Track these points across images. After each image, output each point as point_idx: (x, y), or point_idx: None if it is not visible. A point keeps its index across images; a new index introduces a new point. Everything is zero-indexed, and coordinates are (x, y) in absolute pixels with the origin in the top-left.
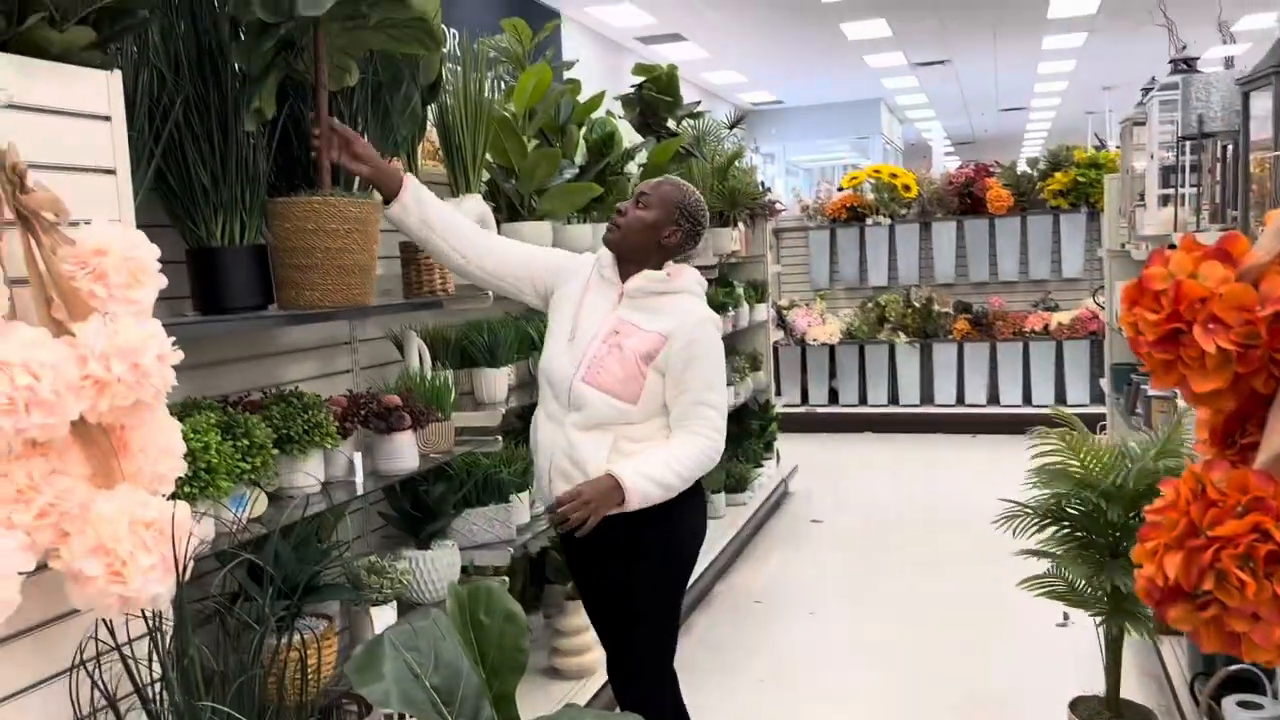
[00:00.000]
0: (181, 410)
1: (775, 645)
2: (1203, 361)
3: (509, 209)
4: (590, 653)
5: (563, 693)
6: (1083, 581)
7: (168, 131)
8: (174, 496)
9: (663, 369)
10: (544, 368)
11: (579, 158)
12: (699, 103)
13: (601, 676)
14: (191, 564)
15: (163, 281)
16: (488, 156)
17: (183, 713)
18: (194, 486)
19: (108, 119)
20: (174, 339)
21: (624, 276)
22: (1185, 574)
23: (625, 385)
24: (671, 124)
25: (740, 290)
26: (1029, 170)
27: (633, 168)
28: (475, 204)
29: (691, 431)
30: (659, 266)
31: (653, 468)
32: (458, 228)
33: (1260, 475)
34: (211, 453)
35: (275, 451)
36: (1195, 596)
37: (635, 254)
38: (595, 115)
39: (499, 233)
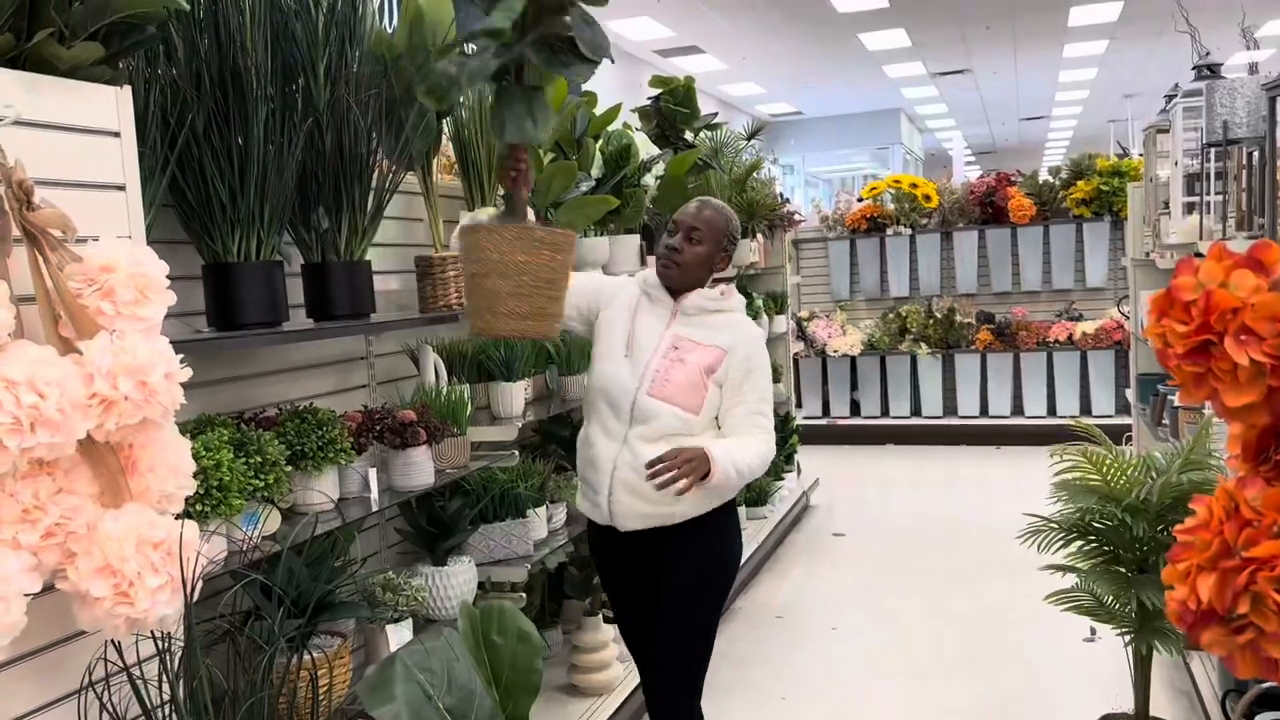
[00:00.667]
0: (195, 427)
1: (797, 661)
2: (1235, 374)
3: None
4: (609, 669)
5: (581, 710)
6: (1110, 597)
7: (181, 144)
8: (185, 515)
9: (721, 381)
10: (600, 386)
11: (595, 170)
12: (716, 114)
13: (621, 694)
14: (200, 584)
15: (171, 298)
16: None
17: None
18: (206, 504)
19: (117, 135)
20: (184, 356)
21: (675, 295)
22: (1219, 596)
23: (689, 396)
24: (689, 136)
25: (760, 302)
26: (1051, 179)
27: (650, 180)
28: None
29: (753, 436)
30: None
31: (737, 453)
32: None
33: None
34: (224, 470)
35: (289, 468)
36: (1230, 620)
37: (690, 284)
38: (612, 128)
39: None
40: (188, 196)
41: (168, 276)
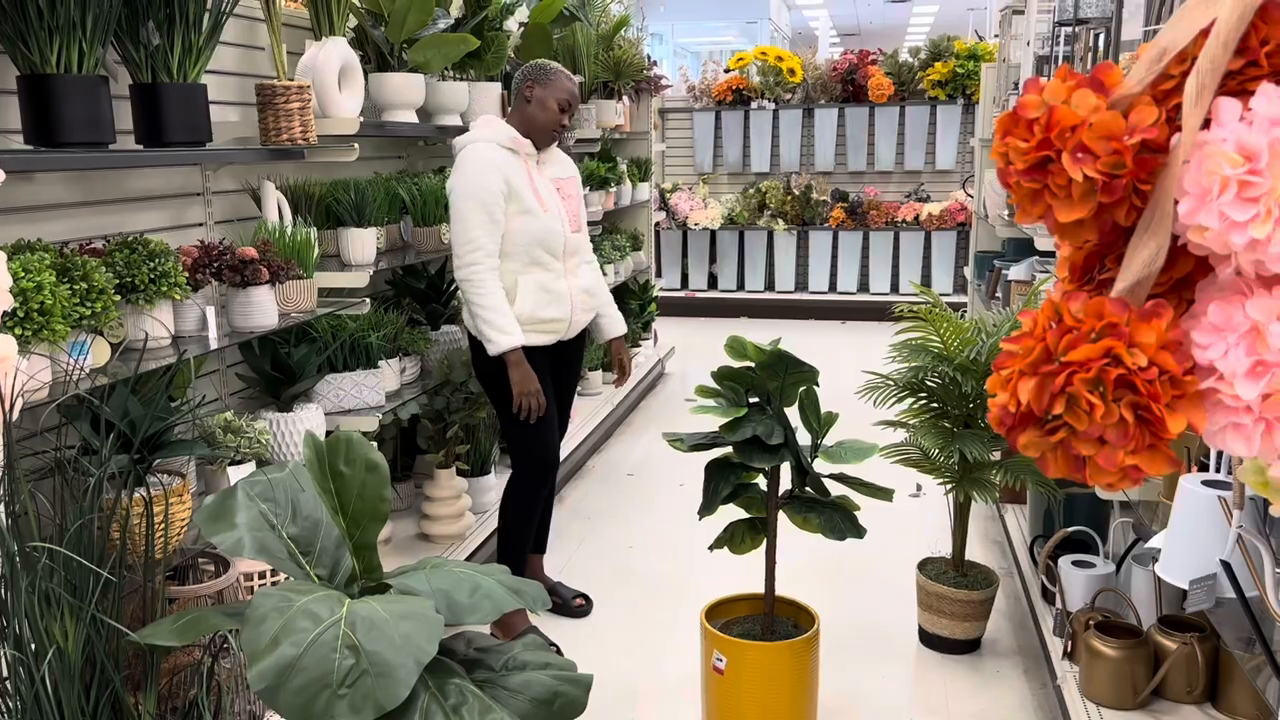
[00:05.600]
0: (12, 251)
1: (645, 515)
2: (1069, 190)
3: (378, 58)
4: (462, 520)
5: (433, 554)
6: (936, 450)
7: None
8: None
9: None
10: (537, 239)
11: (455, 10)
12: None
13: (473, 543)
14: (20, 402)
15: None
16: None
17: (15, 557)
18: (26, 328)
19: None
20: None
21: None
22: (1037, 399)
23: (584, 220)
24: None
25: (623, 167)
26: (910, 59)
27: (512, 25)
28: (339, 50)
29: (594, 262)
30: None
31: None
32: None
33: (1116, 303)
34: (45, 293)
35: (118, 298)
36: (1045, 422)
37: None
38: None
39: (365, 85)
40: None
41: None
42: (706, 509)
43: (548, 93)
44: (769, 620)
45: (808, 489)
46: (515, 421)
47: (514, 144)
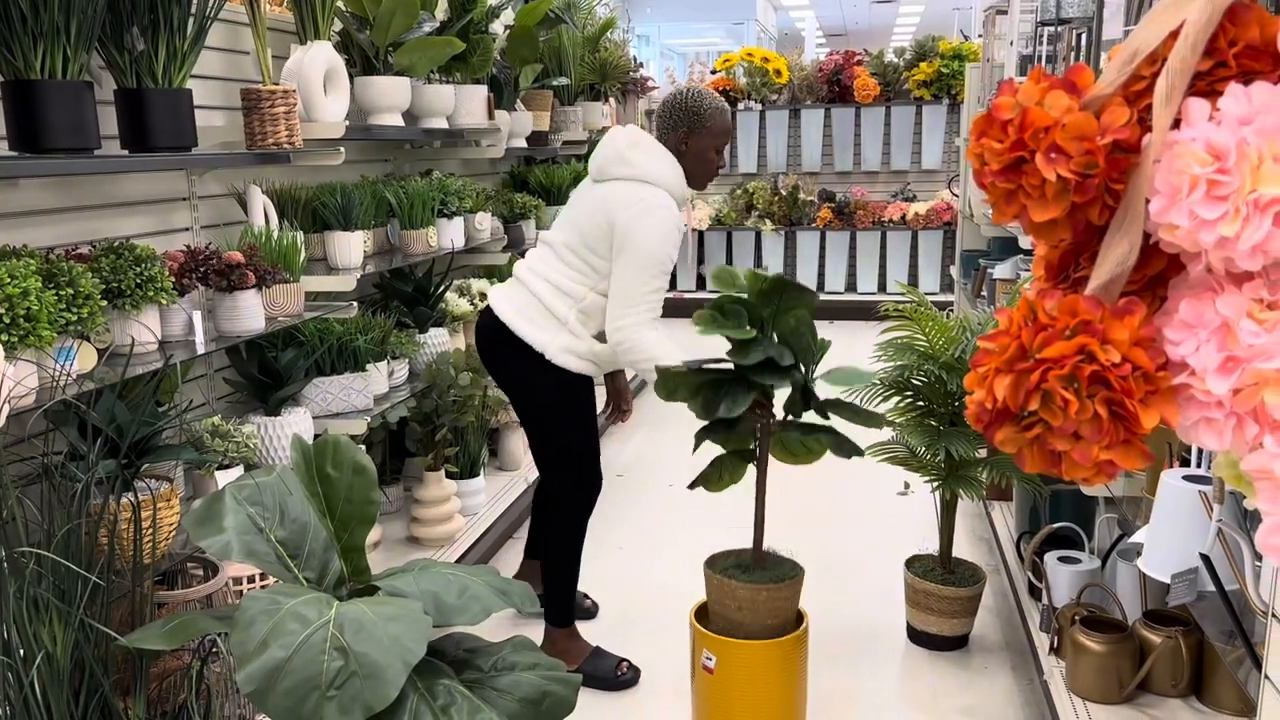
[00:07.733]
0: None
1: (635, 515)
2: (1043, 190)
3: (363, 62)
4: (451, 522)
5: (422, 556)
6: (922, 448)
7: None
8: None
9: None
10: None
11: (440, 13)
12: None
13: (463, 545)
14: (7, 407)
15: None
16: (339, 3)
17: (3, 562)
18: (13, 335)
19: None
20: None
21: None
22: (1013, 395)
23: None
24: None
25: None
26: (896, 60)
27: (498, 28)
28: (324, 53)
29: None
30: None
31: None
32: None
33: (1090, 300)
34: (31, 299)
35: (104, 303)
36: (1021, 418)
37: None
38: None
39: (350, 88)
40: None
41: None
42: (728, 413)
43: (705, 142)
44: (759, 555)
45: (812, 410)
46: (567, 454)
47: (683, 200)
